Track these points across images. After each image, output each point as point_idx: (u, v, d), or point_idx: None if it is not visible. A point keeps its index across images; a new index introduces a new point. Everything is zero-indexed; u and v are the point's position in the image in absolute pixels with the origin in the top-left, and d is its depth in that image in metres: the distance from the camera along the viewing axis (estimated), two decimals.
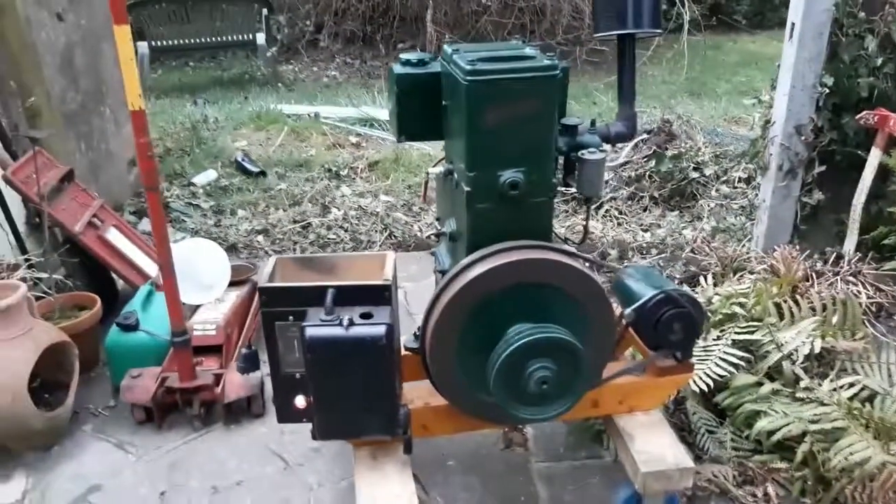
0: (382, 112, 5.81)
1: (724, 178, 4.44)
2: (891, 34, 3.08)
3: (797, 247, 3.20)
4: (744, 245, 3.64)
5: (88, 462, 2.43)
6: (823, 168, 3.32)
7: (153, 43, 7.21)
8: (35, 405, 2.39)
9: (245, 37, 7.59)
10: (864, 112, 3.14)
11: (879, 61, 3.11)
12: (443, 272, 2.09)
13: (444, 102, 1.99)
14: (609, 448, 2.41)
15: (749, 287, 2.82)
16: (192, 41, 7.51)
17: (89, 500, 2.28)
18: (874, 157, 3.15)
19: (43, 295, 2.82)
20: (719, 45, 9.09)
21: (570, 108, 6.24)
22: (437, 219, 2.37)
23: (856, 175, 3.22)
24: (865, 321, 2.79)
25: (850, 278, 3.03)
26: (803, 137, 3.27)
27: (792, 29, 3.16)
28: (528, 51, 1.93)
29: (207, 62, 8.52)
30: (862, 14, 3.10)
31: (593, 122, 2.06)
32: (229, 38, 7.60)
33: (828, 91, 3.18)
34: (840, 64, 3.16)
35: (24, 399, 2.34)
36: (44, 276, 2.86)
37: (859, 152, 3.24)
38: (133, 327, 2.65)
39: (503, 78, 1.76)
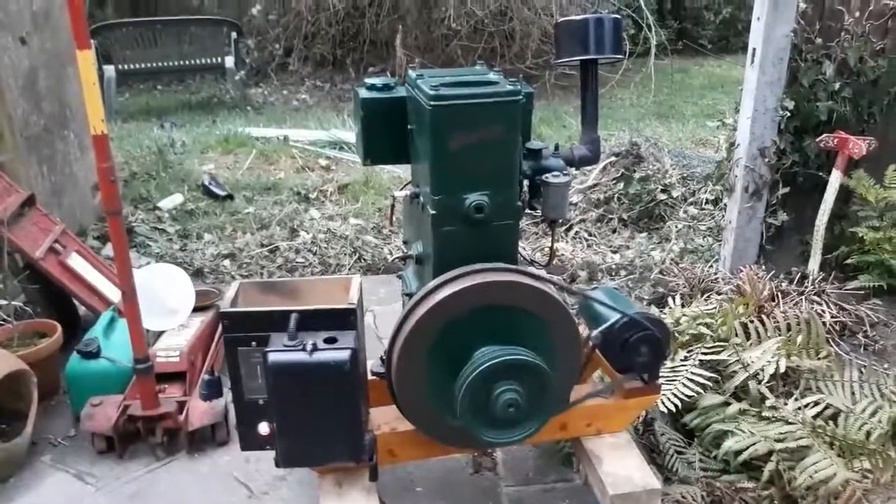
0: (352, 135, 5.80)
1: (692, 199, 4.49)
2: (847, 59, 3.16)
3: (763, 267, 3.25)
4: (711, 266, 3.68)
5: (46, 493, 2.36)
6: (787, 190, 3.37)
7: (120, 66, 7.15)
8: None
9: (213, 60, 7.56)
10: (824, 135, 3.21)
11: (837, 86, 3.19)
12: (409, 295, 2.08)
13: (409, 127, 2.00)
14: (578, 471, 2.40)
15: (716, 307, 2.84)
16: (160, 65, 7.46)
17: None
18: (835, 179, 3.22)
19: (2, 322, 2.76)
20: (686, 69, 9.25)
21: (541, 132, 6.32)
22: (405, 242, 2.36)
23: (818, 196, 3.28)
24: (829, 340, 2.83)
25: (815, 298, 3.07)
26: (767, 160, 3.32)
27: (753, 54, 3.23)
28: (492, 76, 1.95)
29: (175, 86, 8.46)
30: (819, 40, 3.18)
31: (557, 146, 2.07)
32: (198, 61, 7.56)
33: (789, 114, 3.25)
34: (800, 88, 3.24)
35: None
36: (3, 302, 2.80)
37: (821, 174, 3.30)
38: (94, 354, 2.60)
39: (466, 103, 1.78)
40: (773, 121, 3.28)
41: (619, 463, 2.06)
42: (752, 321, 2.67)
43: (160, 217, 4.40)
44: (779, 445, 2.19)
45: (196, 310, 2.90)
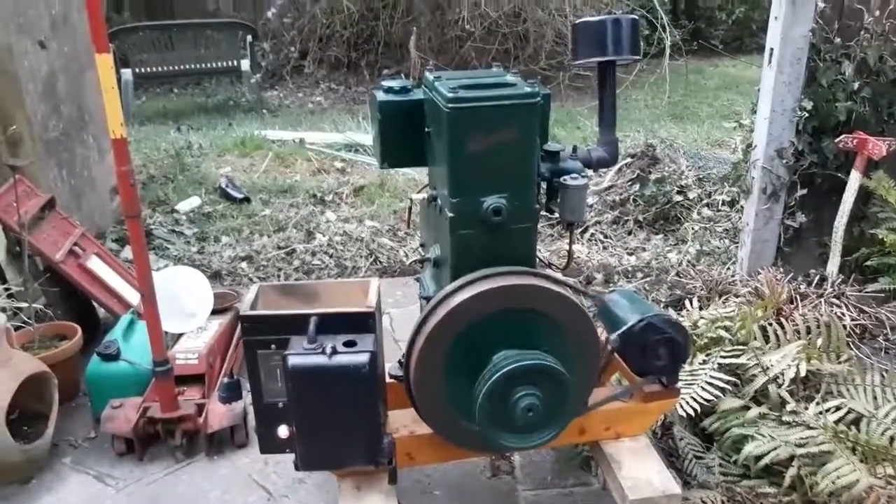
0: (367, 137, 5.82)
1: (708, 201, 4.46)
2: (866, 59, 3.12)
3: (781, 269, 3.22)
4: (728, 268, 3.65)
5: (67, 495, 2.37)
6: (805, 191, 3.35)
7: (137, 70, 7.21)
8: (13, 438, 2.34)
9: (229, 63, 7.62)
10: (843, 135, 3.18)
11: (856, 85, 3.15)
12: (427, 298, 2.07)
13: (426, 129, 1.99)
14: (597, 475, 2.39)
15: (734, 310, 2.82)
16: (177, 68, 7.53)
17: None
18: (854, 180, 3.18)
19: (23, 325, 2.79)
20: (701, 69, 9.20)
21: (555, 134, 6.31)
22: (422, 245, 2.36)
23: (837, 197, 3.25)
24: (850, 343, 2.80)
25: (834, 300, 3.05)
26: (784, 161, 3.30)
27: (771, 54, 3.20)
28: (510, 78, 1.94)
29: (192, 89, 8.53)
30: (838, 40, 3.15)
31: (575, 148, 2.06)
32: (214, 64, 7.63)
33: (807, 115, 3.22)
34: (818, 88, 3.20)
35: (1, 432, 2.29)
36: (24, 305, 2.82)
37: (839, 175, 3.27)
38: (114, 357, 2.62)
39: (484, 105, 1.77)
40: (790, 121, 3.25)
41: (639, 467, 2.04)
42: (770, 324, 2.65)
43: (178, 220, 4.43)
44: (800, 450, 2.16)
45: (214, 312, 2.92)
